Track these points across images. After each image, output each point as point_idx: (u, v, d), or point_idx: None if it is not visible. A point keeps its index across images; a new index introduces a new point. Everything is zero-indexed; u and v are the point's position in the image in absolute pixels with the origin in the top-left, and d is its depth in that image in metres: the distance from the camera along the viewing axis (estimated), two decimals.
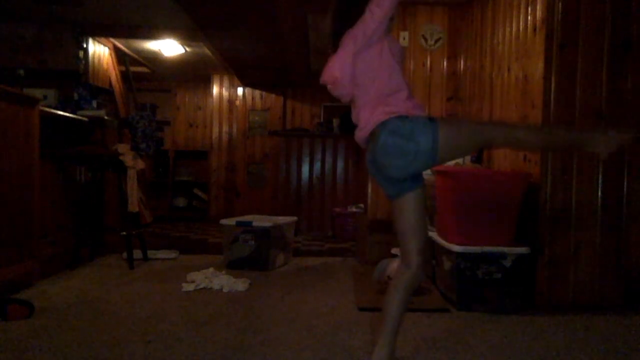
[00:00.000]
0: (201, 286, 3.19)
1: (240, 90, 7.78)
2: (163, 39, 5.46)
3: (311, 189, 6.14)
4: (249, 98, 7.80)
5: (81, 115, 4.04)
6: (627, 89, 2.87)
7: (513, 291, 2.79)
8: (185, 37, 5.40)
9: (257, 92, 7.79)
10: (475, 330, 2.46)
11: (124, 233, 3.78)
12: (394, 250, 3.44)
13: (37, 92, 3.74)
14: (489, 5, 3.73)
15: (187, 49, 6.00)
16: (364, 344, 2.21)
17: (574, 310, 2.80)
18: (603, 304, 2.85)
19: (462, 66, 4.23)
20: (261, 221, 3.97)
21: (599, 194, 2.87)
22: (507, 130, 1.80)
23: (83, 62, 5.14)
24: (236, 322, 2.53)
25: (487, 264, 2.77)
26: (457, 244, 2.80)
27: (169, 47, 5.82)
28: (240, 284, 3.21)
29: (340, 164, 6.15)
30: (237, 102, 7.79)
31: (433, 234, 3.21)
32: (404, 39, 4.16)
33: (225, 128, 7.78)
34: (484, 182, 2.86)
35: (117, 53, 5.90)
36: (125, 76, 6.05)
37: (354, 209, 5.53)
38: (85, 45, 5.17)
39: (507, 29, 3.39)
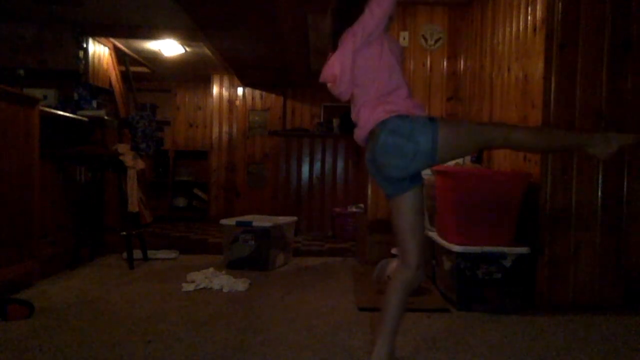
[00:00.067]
0: (201, 286, 3.19)
1: (240, 90, 7.78)
2: (163, 39, 5.46)
3: (311, 189, 6.14)
4: (249, 98, 7.80)
5: (81, 115, 4.04)
6: (627, 89, 2.87)
7: (513, 291, 2.79)
8: (185, 37, 5.40)
9: (257, 92, 7.79)
10: (475, 330, 2.46)
11: (124, 233, 3.78)
12: (394, 250, 3.44)
13: (37, 92, 3.74)
14: (489, 5, 3.73)
15: (187, 49, 6.00)
16: (364, 344, 2.21)
17: (574, 310, 2.80)
18: (603, 304, 2.85)
19: (462, 66, 4.23)
20: (261, 221, 3.97)
21: (599, 194, 2.87)
22: (507, 131, 1.80)
23: (83, 62, 5.14)
24: (236, 322, 2.53)
25: (487, 264, 2.77)
26: (457, 244, 2.80)
27: (169, 47, 5.82)
28: (240, 284, 3.21)
29: (340, 164, 6.15)
30: (237, 102, 7.79)
31: (433, 234, 3.21)
32: (404, 39, 4.16)
33: (225, 128, 7.78)
34: (484, 182, 2.86)
35: (117, 53, 5.90)
36: (125, 76, 6.05)
37: (354, 209, 5.53)
38: (85, 45, 5.17)
39: (507, 29, 3.39)
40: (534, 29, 2.98)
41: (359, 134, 1.86)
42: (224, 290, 3.14)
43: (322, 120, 7.32)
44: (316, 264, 4.16)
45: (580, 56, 2.85)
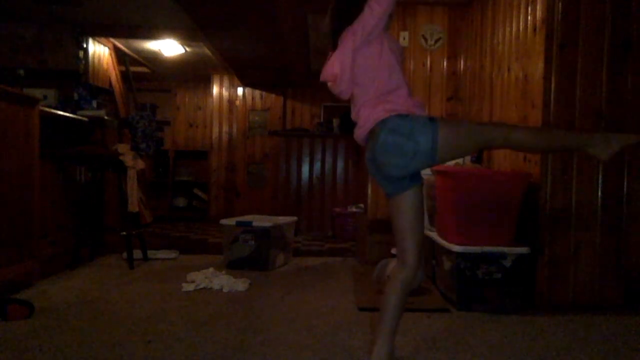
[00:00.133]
0: (201, 286, 3.19)
1: (240, 90, 7.78)
2: (163, 39, 5.47)
3: (311, 189, 6.14)
4: (249, 98, 7.80)
5: (81, 115, 4.04)
6: (627, 89, 2.87)
7: (513, 291, 2.79)
8: (185, 37, 5.40)
9: (257, 92, 7.79)
10: (475, 330, 2.46)
11: (124, 233, 3.78)
12: (394, 250, 3.44)
13: (37, 92, 3.74)
14: (489, 5, 3.73)
15: (187, 49, 6.00)
16: (364, 344, 2.21)
17: (574, 310, 2.80)
18: (603, 304, 2.85)
19: (462, 66, 4.23)
20: (261, 221, 3.97)
21: (599, 194, 2.87)
22: (507, 131, 1.80)
23: (83, 62, 5.14)
24: (236, 322, 2.53)
25: (487, 264, 2.77)
26: (457, 244, 2.80)
27: (169, 47, 5.82)
28: (240, 284, 3.21)
29: (340, 164, 6.15)
30: (237, 102, 7.79)
31: (433, 234, 3.21)
32: (404, 39, 4.16)
33: (225, 128, 7.78)
34: (484, 182, 2.86)
35: (117, 53, 5.90)
36: (125, 76, 6.05)
37: (354, 209, 5.53)
38: (85, 45, 5.17)
39: (507, 29, 3.39)
40: (534, 29, 2.98)
41: (359, 133, 1.86)
42: (224, 290, 3.14)
43: (322, 120, 7.32)
44: (316, 264, 4.16)
45: (580, 56, 2.85)
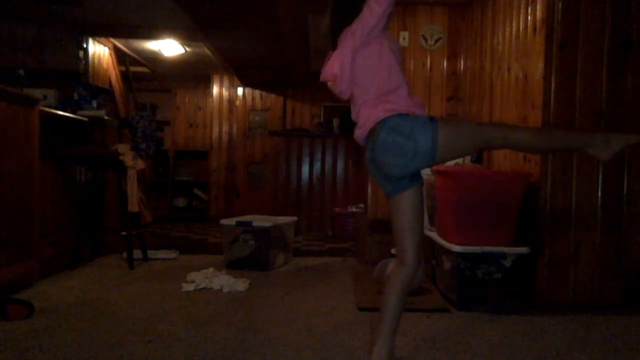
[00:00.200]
0: (201, 286, 3.19)
1: (240, 90, 7.78)
2: (163, 39, 5.46)
3: (311, 189, 6.14)
4: (249, 98, 7.80)
5: (81, 115, 4.04)
6: (627, 89, 2.87)
7: (513, 291, 2.79)
8: (185, 37, 5.40)
9: (257, 92, 7.79)
10: (475, 330, 2.46)
11: (124, 233, 3.78)
12: (394, 250, 3.44)
13: (37, 92, 3.74)
14: (489, 5, 3.73)
15: (187, 49, 6.00)
16: (364, 344, 2.21)
17: (574, 310, 2.80)
18: (603, 304, 2.85)
19: (462, 66, 4.23)
20: (261, 221, 3.97)
21: (599, 194, 2.87)
22: (507, 131, 1.80)
23: (83, 62, 5.13)
24: (236, 322, 2.53)
25: (487, 264, 2.77)
26: (457, 244, 2.80)
27: (169, 47, 5.82)
28: (240, 284, 3.21)
29: (340, 164, 6.16)
30: (237, 102, 7.79)
31: (433, 234, 3.21)
32: (404, 39, 4.16)
33: (225, 128, 7.78)
34: (484, 182, 2.86)
35: (117, 53, 5.90)
36: (125, 76, 6.05)
37: (354, 209, 5.53)
38: (85, 45, 5.17)
39: (507, 29, 3.39)
40: (534, 29, 2.98)
41: (359, 133, 1.86)
42: (224, 290, 3.14)
43: (322, 120, 7.32)
44: (316, 264, 4.16)
45: (580, 56, 2.85)
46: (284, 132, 6.57)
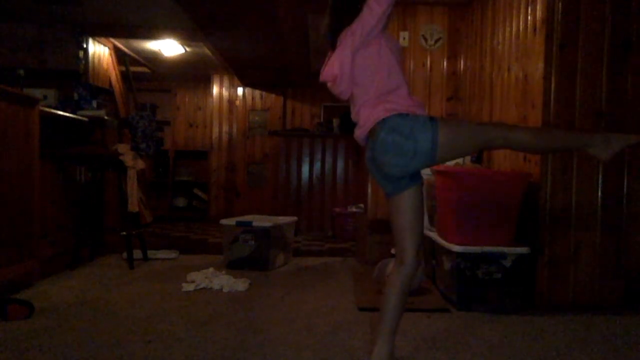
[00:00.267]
0: (201, 286, 3.19)
1: (240, 90, 7.78)
2: (163, 39, 5.46)
3: (311, 189, 6.14)
4: (249, 98, 7.80)
5: (81, 115, 4.04)
6: (627, 89, 2.87)
7: (513, 291, 2.79)
8: (185, 37, 5.40)
9: (257, 92, 7.79)
10: (475, 330, 2.46)
11: (124, 233, 3.78)
12: (394, 250, 3.44)
13: (37, 92, 3.74)
14: (489, 6, 3.73)
15: (187, 49, 6.00)
16: (364, 344, 2.21)
17: (574, 310, 2.80)
18: (603, 304, 2.85)
19: (462, 66, 4.23)
20: (261, 221, 3.97)
21: (599, 194, 2.87)
22: (507, 131, 1.80)
23: (83, 62, 5.13)
24: (236, 322, 2.53)
25: (487, 264, 2.77)
26: (457, 244, 2.80)
27: (169, 47, 5.82)
28: (240, 284, 3.21)
29: (340, 164, 6.16)
30: (237, 102, 7.79)
31: (433, 234, 3.21)
32: (404, 39, 4.16)
33: (225, 128, 7.78)
34: (484, 182, 2.86)
35: (117, 53, 5.90)
36: (125, 76, 6.05)
37: (354, 209, 5.53)
38: (85, 45, 5.17)
39: (507, 29, 3.39)
40: (534, 29, 2.98)
41: (359, 133, 1.86)
42: (224, 290, 3.14)
43: (322, 120, 7.32)
44: (316, 264, 4.16)
45: (580, 56, 2.85)
46: (284, 132, 6.57)
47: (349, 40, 1.82)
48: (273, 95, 7.75)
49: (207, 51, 6.01)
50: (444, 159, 1.79)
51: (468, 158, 3.66)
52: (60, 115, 3.74)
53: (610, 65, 2.85)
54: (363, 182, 4.52)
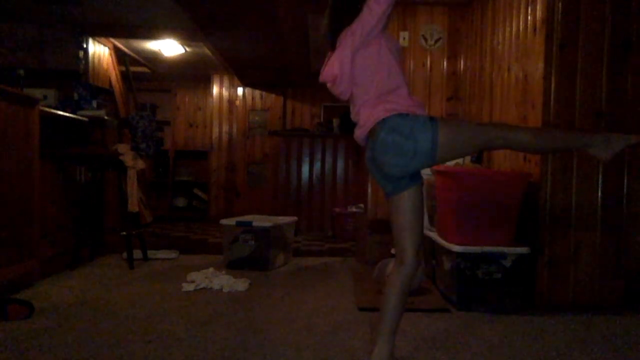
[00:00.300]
0: (201, 286, 3.19)
1: (240, 90, 7.78)
2: (163, 39, 5.46)
3: (311, 189, 6.14)
4: (249, 98, 7.80)
5: (81, 115, 4.04)
6: (627, 89, 2.87)
7: (513, 291, 2.79)
8: (185, 37, 5.40)
9: (257, 92, 7.79)
10: (475, 330, 2.46)
11: (124, 233, 3.78)
12: (394, 250, 3.44)
13: (37, 92, 3.74)
14: (489, 6, 3.73)
15: (187, 49, 6.00)
16: (364, 344, 2.21)
17: (574, 310, 2.80)
18: (603, 304, 2.85)
19: (462, 66, 4.23)
20: (261, 221, 3.97)
21: (599, 194, 2.87)
22: (507, 132, 1.80)
23: (83, 62, 5.13)
24: (236, 322, 2.53)
25: (487, 264, 2.77)
26: (457, 244, 2.80)
27: (169, 47, 5.82)
28: (240, 284, 3.21)
29: (340, 164, 6.16)
30: (237, 102, 7.79)
31: (433, 234, 3.21)
32: (404, 39, 4.16)
33: (225, 128, 7.78)
34: (484, 182, 2.86)
35: (117, 53, 5.90)
36: (125, 76, 6.05)
37: (354, 209, 5.53)
38: (85, 45, 5.17)
39: (507, 29, 3.39)
40: (534, 29, 2.98)
41: (359, 133, 1.86)
42: (224, 290, 3.14)
43: (322, 120, 7.33)
44: (316, 264, 4.16)
45: (580, 56, 2.85)
46: (284, 132, 6.57)
47: (349, 40, 1.82)
48: (273, 95, 7.75)
49: (207, 51, 6.01)
50: (444, 159, 1.79)
51: (468, 158, 3.66)
52: (60, 115, 3.74)
53: (610, 65, 2.85)
54: (363, 182, 4.52)
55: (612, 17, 2.85)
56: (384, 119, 1.75)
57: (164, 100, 7.97)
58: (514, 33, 3.28)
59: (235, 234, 3.90)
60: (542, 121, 2.85)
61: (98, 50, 5.44)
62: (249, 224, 3.90)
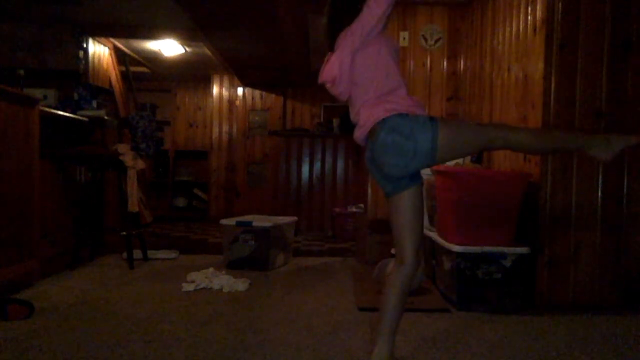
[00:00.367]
0: (201, 286, 3.19)
1: (240, 90, 7.78)
2: (163, 39, 5.46)
3: (311, 189, 6.14)
4: (249, 98, 7.80)
5: (81, 115, 4.04)
6: (627, 89, 2.87)
7: (513, 291, 2.79)
8: (185, 37, 5.40)
9: (257, 92, 7.79)
10: (475, 330, 2.46)
11: (124, 233, 3.78)
12: (394, 250, 3.43)
13: (37, 92, 3.74)
14: (489, 6, 3.73)
15: (187, 49, 6.00)
16: (364, 344, 2.21)
17: (574, 310, 2.80)
18: (603, 304, 2.85)
19: (462, 66, 4.23)
20: (261, 221, 3.97)
21: (599, 194, 2.87)
22: (507, 132, 1.80)
23: (83, 62, 5.13)
24: (236, 322, 2.53)
25: (487, 264, 2.77)
26: (457, 244, 2.80)
27: (169, 47, 5.82)
28: (240, 284, 3.21)
29: (340, 164, 6.16)
30: (237, 102, 7.79)
31: (433, 234, 3.21)
32: (404, 39, 4.16)
33: (225, 128, 7.78)
34: (484, 182, 2.86)
35: (117, 53, 5.90)
36: (125, 76, 6.05)
37: (354, 209, 5.53)
38: (85, 45, 5.17)
39: (507, 29, 3.39)
40: (534, 29, 2.98)
41: (359, 134, 1.86)
42: (224, 290, 3.14)
43: (322, 120, 7.33)
44: (316, 264, 4.16)
45: (580, 56, 2.85)
46: (284, 132, 6.57)
47: (348, 40, 1.82)
48: (273, 95, 7.75)
49: (207, 51, 6.01)
50: (444, 159, 1.79)
51: (468, 158, 3.66)
52: (60, 115, 3.74)
53: (610, 65, 2.85)
54: (363, 182, 4.52)
55: (612, 17, 2.85)
56: (383, 119, 1.75)
57: (164, 100, 7.96)
58: (514, 33, 3.28)
59: (235, 234, 3.90)
60: (542, 121, 2.85)
61: (98, 50, 5.44)
62: (249, 224, 3.90)
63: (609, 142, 1.77)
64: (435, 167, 2.93)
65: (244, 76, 7.36)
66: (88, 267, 3.78)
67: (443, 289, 3.09)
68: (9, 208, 2.92)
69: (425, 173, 2.31)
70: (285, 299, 2.99)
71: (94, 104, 4.43)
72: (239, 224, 3.94)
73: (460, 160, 3.54)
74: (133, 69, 6.41)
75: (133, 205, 3.85)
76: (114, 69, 5.82)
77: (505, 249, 2.77)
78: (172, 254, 4.25)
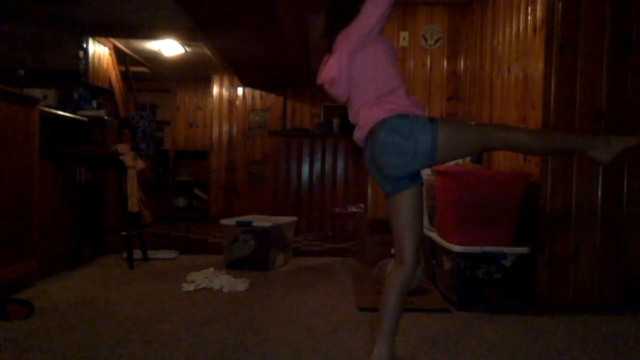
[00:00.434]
0: (201, 286, 3.19)
1: (240, 90, 7.78)
2: (163, 39, 5.47)
3: (311, 189, 6.14)
4: (249, 98, 7.80)
5: (81, 115, 4.04)
6: (627, 89, 2.87)
7: (513, 291, 2.79)
8: (185, 37, 5.40)
9: (257, 92, 7.79)
10: (475, 330, 2.46)
11: (124, 233, 3.78)
12: (394, 250, 3.43)
13: (37, 92, 3.74)
14: (489, 6, 3.73)
15: (187, 49, 6.00)
16: (364, 344, 2.21)
17: (574, 310, 2.80)
18: (603, 304, 2.85)
19: (462, 66, 4.23)
20: (261, 221, 3.97)
21: (599, 194, 2.87)
22: (507, 133, 1.80)
23: (83, 62, 5.13)
24: (236, 322, 2.53)
25: (487, 264, 2.77)
26: (457, 244, 2.80)
27: (169, 47, 5.82)
28: (240, 284, 3.21)
29: (340, 164, 6.16)
30: (237, 102, 7.79)
31: (433, 234, 3.21)
32: (404, 39, 4.16)
33: (225, 128, 7.78)
34: (484, 182, 2.86)
35: (117, 53, 5.90)
36: (125, 76, 6.05)
37: (354, 209, 5.53)
38: (85, 45, 5.17)
39: (507, 29, 3.39)
40: (534, 29, 2.98)
41: (359, 134, 1.86)
42: (224, 290, 3.14)
43: (322, 120, 7.33)
44: (316, 264, 4.16)
45: (580, 56, 2.85)
46: (284, 132, 6.57)
47: (347, 41, 1.82)
48: (273, 95, 7.75)
49: (207, 51, 6.01)
50: (444, 159, 1.79)
51: (468, 158, 3.65)
52: (60, 115, 3.74)
53: (610, 65, 2.86)
54: (363, 182, 4.52)
55: (612, 17, 2.85)
56: (383, 120, 1.75)
57: (164, 100, 7.97)
58: (514, 33, 3.28)
59: (235, 234, 3.90)
60: (542, 121, 2.85)
61: (98, 50, 5.44)
62: (249, 224, 3.90)
63: (609, 143, 1.77)
64: (435, 167, 2.93)
65: (244, 76, 7.36)
66: (88, 267, 3.78)
67: (443, 289, 3.09)
68: (9, 208, 2.92)
69: (425, 173, 2.31)
70: (285, 299, 2.99)
71: (94, 104, 4.43)
72: (239, 224, 3.94)
73: (460, 160, 3.54)
74: (133, 69, 6.41)
75: (133, 205, 3.85)
76: (114, 69, 5.82)
77: (505, 249, 2.77)
78: (172, 254, 4.25)
